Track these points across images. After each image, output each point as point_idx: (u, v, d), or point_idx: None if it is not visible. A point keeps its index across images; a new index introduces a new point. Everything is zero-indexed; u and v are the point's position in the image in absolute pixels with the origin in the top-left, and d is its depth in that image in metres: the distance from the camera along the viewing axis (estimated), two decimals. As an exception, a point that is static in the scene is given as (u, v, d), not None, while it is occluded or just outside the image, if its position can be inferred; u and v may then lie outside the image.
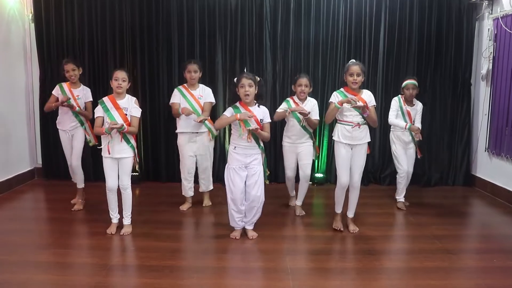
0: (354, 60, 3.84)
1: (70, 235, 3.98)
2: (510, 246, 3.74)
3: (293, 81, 4.42)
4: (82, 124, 4.51)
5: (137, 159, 4.08)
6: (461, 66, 5.54)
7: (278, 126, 5.11)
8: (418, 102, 4.67)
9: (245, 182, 3.70)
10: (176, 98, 4.47)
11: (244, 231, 3.86)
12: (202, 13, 5.40)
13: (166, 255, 3.46)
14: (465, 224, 4.51)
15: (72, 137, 4.52)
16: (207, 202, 4.75)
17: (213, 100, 4.58)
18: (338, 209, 4.02)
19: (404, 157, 4.65)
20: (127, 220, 3.94)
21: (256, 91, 3.67)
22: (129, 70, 5.45)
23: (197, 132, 4.47)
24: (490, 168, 5.34)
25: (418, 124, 4.59)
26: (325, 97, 5.49)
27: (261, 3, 5.39)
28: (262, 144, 3.74)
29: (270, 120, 3.77)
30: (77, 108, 4.42)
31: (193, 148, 4.51)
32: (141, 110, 3.93)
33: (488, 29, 5.30)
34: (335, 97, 3.82)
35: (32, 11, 5.46)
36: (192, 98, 4.44)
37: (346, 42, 5.48)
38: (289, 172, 4.50)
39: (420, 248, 3.65)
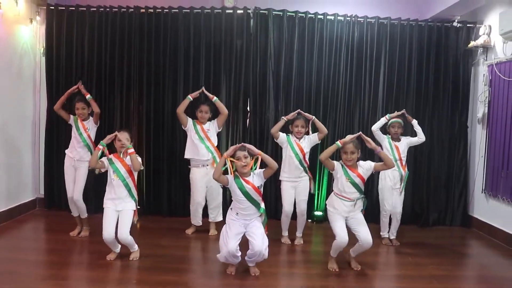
0: (351, 136, 3.96)
1: (72, 266, 4.02)
2: (508, 288, 3.79)
3: (291, 122, 4.74)
4: (90, 151, 4.71)
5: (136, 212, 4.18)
6: (458, 110, 5.72)
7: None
8: (404, 138, 4.93)
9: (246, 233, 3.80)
10: (189, 120, 4.90)
11: (241, 267, 3.88)
12: (208, 51, 5.58)
13: (168, 289, 3.49)
14: (463, 264, 4.56)
15: (76, 171, 4.73)
16: (213, 231, 4.97)
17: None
18: (335, 254, 4.03)
19: (389, 197, 4.82)
20: (134, 250, 4.09)
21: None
22: (135, 105, 5.62)
23: (207, 165, 4.85)
24: (487, 209, 5.43)
25: (404, 155, 4.84)
26: (325, 136, 5.60)
27: (266, 43, 5.59)
28: (262, 206, 3.85)
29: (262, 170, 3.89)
30: (89, 95, 4.86)
31: (205, 180, 4.85)
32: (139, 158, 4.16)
33: (484, 74, 5.50)
34: (339, 166, 3.96)
35: (44, 45, 5.64)
36: (201, 130, 4.86)
37: (347, 84, 5.66)
38: (288, 206, 4.66)
39: (419, 288, 3.69)
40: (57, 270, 3.82)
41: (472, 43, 5.52)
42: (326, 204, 4.12)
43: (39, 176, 5.83)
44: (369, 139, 3.92)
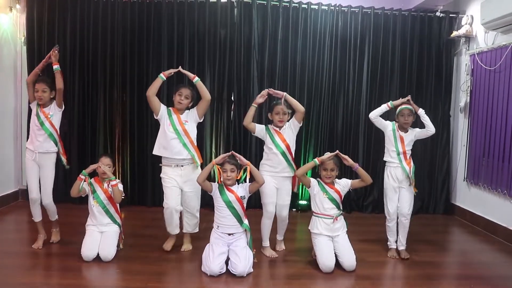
0: (328, 153, 3.92)
1: (55, 256, 3.99)
2: (487, 273, 3.88)
3: (270, 109, 4.17)
4: (56, 143, 4.10)
5: (122, 236, 4.14)
6: (441, 99, 5.79)
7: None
8: (411, 129, 4.25)
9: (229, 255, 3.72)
10: (162, 107, 4.13)
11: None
12: (192, 40, 5.56)
13: (151, 277, 3.49)
14: (444, 251, 4.63)
15: (41, 169, 4.08)
16: (187, 246, 4.22)
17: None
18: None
19: (392, 199, 4.18)
20: None
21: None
22: (119, 95, 5.56)
23: (182, 165, 4.06)
24: (468, 197, 5.52)
25: (409, 148, 4.19)
26: (309, 127, 5.65)
27: (250, 33, 5.58)
28: (246, 222, 3.80)
29: (249, 184, 3.87)
30: (57, 65, 4.07)
31: (179, 184, 4.05)
32: (122, 186, 4.07)
33: (466, 64, 5.57)
34: (316, 183, 3.93)
35: (25, 35, 5.55)
36: (178, 121, 4.04)
37: (331, 73, 5.69)
38: (271, 206, 4.05)
39: (401, 274, 3.77)
40: (40, 260, 3.80)
41: (454, 33, 5.58)
42: (309, 229, 3.97)
43: (21, 167, 5.75)
44: (346, 156, 3.88)
